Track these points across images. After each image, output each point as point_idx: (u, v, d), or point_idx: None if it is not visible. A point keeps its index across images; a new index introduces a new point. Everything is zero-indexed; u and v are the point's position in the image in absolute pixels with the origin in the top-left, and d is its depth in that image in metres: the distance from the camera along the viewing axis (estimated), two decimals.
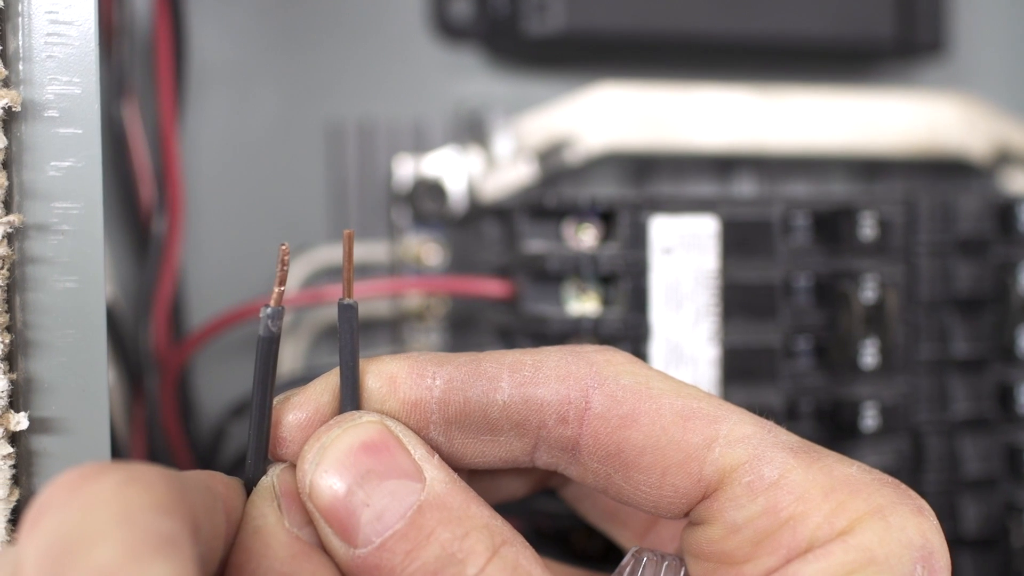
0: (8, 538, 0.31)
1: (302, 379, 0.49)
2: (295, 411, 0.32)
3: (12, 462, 0.31)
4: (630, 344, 0.43)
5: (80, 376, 0.32)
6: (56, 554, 0.23)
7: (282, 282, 0.30)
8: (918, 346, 0.46)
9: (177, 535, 0.25)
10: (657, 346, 0.43)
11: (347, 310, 0.31)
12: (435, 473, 0.30)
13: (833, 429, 0.46)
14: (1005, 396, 0.47)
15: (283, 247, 0.30)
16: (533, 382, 0.31)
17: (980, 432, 0.47)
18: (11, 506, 0.31)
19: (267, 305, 0.30)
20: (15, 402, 0.31)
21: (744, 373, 0.44)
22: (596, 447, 0.31)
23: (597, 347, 0.32)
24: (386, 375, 0.31)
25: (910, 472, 0.46)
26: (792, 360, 0.46)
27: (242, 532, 0.29)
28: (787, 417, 0.45)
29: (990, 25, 0.62)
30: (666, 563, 0.32)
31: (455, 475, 0.30)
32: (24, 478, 0.31)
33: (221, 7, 0.52)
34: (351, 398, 0.31)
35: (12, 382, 0.31)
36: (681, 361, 0.43)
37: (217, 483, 0.29)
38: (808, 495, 0.29)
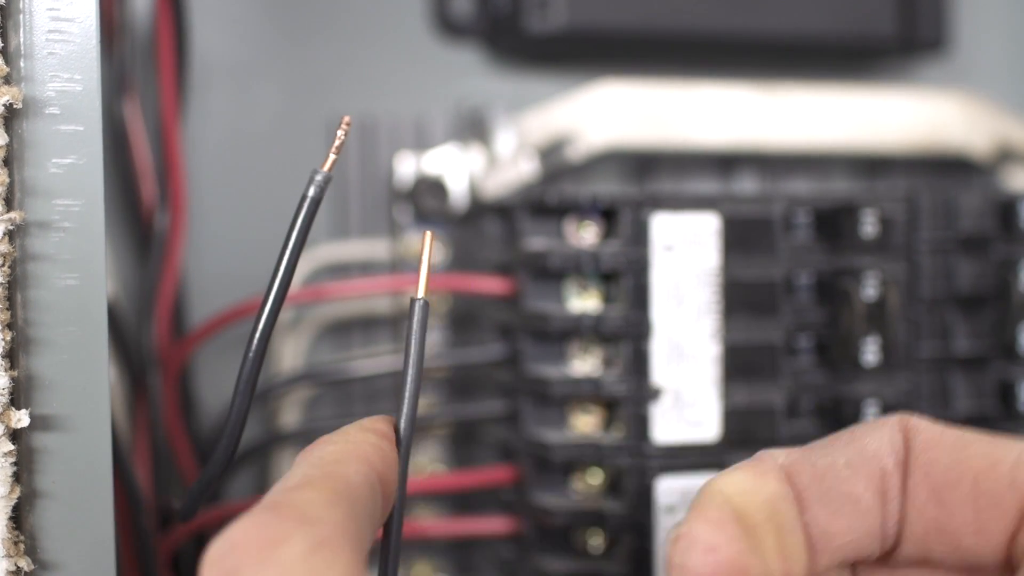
0: (9, 535, 0.31)
1: (303, 376, 0.49)
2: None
3: (13, 459, 0.31)
4: (631, 341, 0.43)
5: (81, 373, 0.32)
6: None
7: (338, 151, 0.32)
8: (919, 343, 0.46)
9: None
10: (658, 343, 0.43)
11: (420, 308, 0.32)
12: None
13: (834, 426, 0.45)
14: (1006, 394, 0.47)
15: (345, 119, 0.32)
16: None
17: (981, 430, 0.47)
18: (12, 503, 0.31)
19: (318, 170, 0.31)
20: (16, 399, 0.31)
21: (745, 371, 0.44)
22: None
23: None
24: None
25: None
26: (793, 357, 0.46)
27: None
28: (788, 415, 0.45)
29: (992, 22, 0.62)
30: None
31: None
32: (25, 475, 0.31)
33: (223, 4, 0.52)
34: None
35: (13, 379, 0.31)
36: (682, 359, 0.43)
37: (377, 460, 0.28)
38: None
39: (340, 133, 0.32)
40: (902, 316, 0.46)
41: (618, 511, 0.43)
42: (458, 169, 0.52)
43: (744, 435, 0.44)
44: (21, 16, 0.31)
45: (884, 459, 0.31)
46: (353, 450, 0.28)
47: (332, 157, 0.31)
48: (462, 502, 0.51)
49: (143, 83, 0.50)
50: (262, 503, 0.26)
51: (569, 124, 0.53)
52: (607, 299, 0.45)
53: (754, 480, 0.31)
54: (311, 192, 0.31)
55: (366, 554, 0.26)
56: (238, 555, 0.24)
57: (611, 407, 0.45)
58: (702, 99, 0.54)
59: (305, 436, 0.50)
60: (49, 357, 0.31)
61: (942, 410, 0.46)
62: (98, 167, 0.32)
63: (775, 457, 0.31)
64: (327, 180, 0.31)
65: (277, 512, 0.25)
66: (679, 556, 0.29)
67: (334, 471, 0.27)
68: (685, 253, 0.44)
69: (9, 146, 0.31)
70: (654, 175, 0.56)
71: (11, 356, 0.31)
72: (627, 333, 0.43)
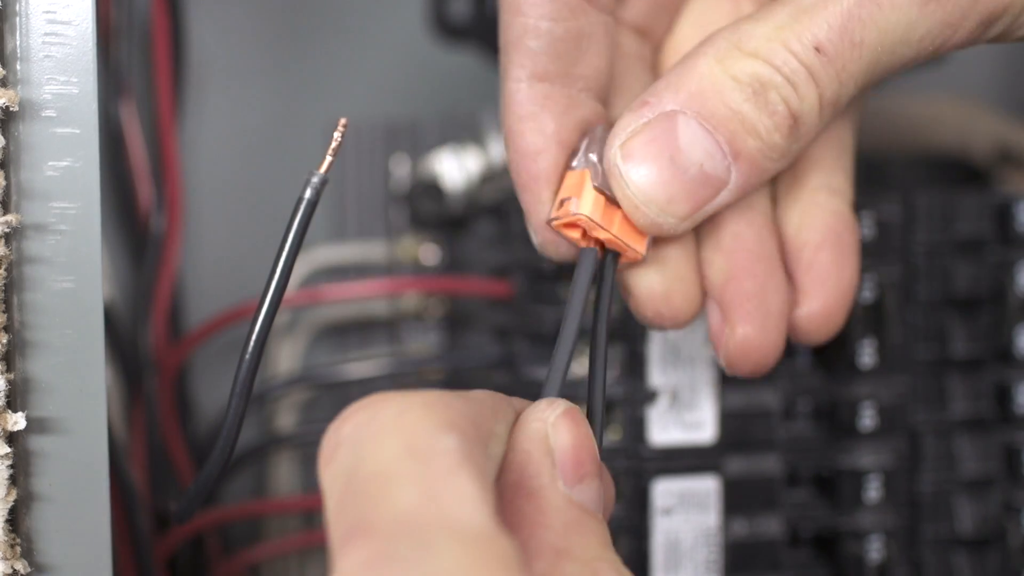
0: (5, 538, 0.31)
1: (300, 379, 0.49)
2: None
3: (10, 462, 0.31)
4: (628, 343, 0.43)
5: (78, 376, 0.32)
6: (353, 495, 0.25)
7: (334, 153, 0.32)
8: (916, 346, 0.46)
9: (462, 447, 0.25)
10: (655, 344, 0.43)
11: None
12: None
13: (831, 429, 0.46)
14: (1003, 396, 0.47)
15: (342, 121, 0.32)
16: None
17: (978, 432, 0.47)
18: (9, 506, 0.31)
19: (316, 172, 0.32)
20: (13, 402, 0.31)
21: None
22: None
23: None
24: None
25: (907, 472, 0.46)
26: (790, 360, 0.46)
27: (516, 493, 0.28)
28: (785, 417, 0.45)
29: None
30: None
31: None
32: (22, 478, 0.31)
33: (219, 6, 0.52)
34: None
35: (10, 382, 0.31)
36: (679, 361, 0.43)
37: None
38: None
39: (337, 135, 0.32)
40: (899, 318, 0.46)
41: (614, 513, 0.43)
42: (454, 172, 0.52)
43: (741, 437, 0.44)
44: (17, 19, 0.31)
45: None
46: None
47: (329, 159, 0.31)
48: None
49: (140, 86, 0.50)
50: None
51: None
52: None
53: None
54: (307, 194, 0.31)
55: (483, 438, 0.27)
56: (344, 426, 0.26)
57: (607, 409, 0.45)
58: None
59: (301, 439, 0.50)
60: (45, 360, 0.31)
61: (938, 412, 0.46)
62: (94, 170, 0.32)
63: None
64: (323, 182, 0.31)
65: (383, 394, 0.27)
66: None
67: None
68: None
69: (5, 149, 0.31)
70: None
71: (7, 359, 0.31)
72: (624, 335, 0.43)
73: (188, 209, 0.51)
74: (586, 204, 0.32)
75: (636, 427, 0.43)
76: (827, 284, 0.35)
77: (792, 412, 0.46)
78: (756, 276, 0.34)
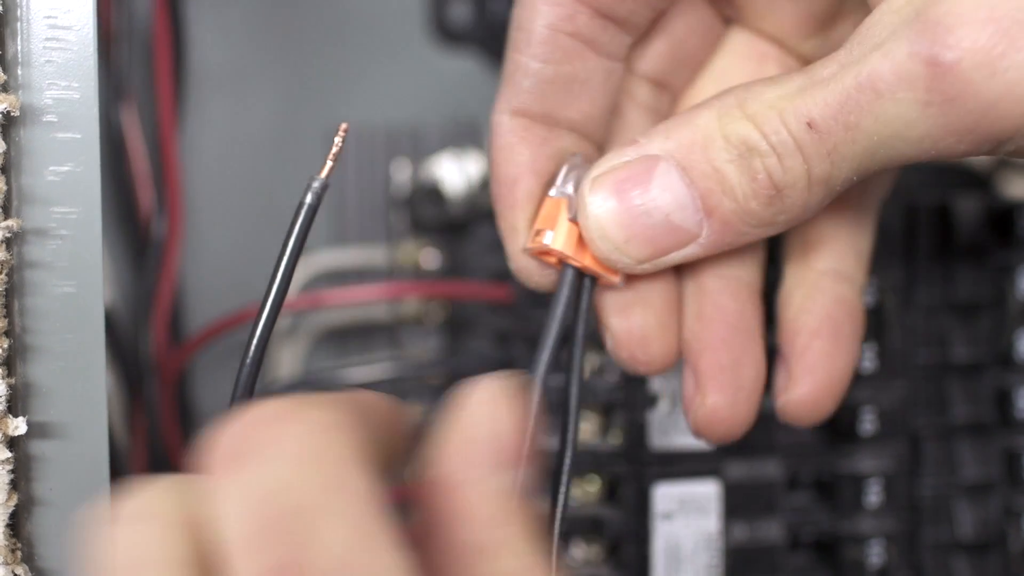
0: (6, 542, 0.31)
1: (301, 383, 0.49)
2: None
3: (10, 467, 0.31)
4: None
5: (79, 381, 0.32)
6: (276, 528, 0.23)
7: (335, 158, 0.32)
8: (916, 350, 0.46)
9: (376, 487, 0.24)
10: None
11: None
12: None
13: (831, 433, 0.46)
14: (1003, 401, 0.47)
15: (343, 126, 0.32)
16: None
17: (978, 437, 0.47)
18: (9, 510, 0.31)
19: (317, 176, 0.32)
20: (13, 407, 0.31)
21: None
22: None
23: None
24: None
25: (907, 476, 0.46)
26: None
27: (433, 493, 0.26)
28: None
29: None
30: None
31: None
32: (23, 483, 0.31)
33: (220, 11, 0.52)
34: None
35: (11, 387, 0.31)
36: (679, 365, 0.43)
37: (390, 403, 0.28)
38: None
39: (337, 140, 0.32)
40: (899, 323, 0.46)
41: (616, 518, 0.43)
42: (455, 176, 0.52)
43: (741, 441, 0.44)
44: (19, 24, 0.31)
45: None
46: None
47: (329, 164, 0.31)
48: None
49: (140, 90, 0.50)
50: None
51: None
52: None
53: None
54: (308, 199, 0.31)
55: (383, 458, 0.26)
56: (247, 430, 0.24)
57: (608, 413, 0.45)
58: None
59: None
60: (46, 364, 0.31)
61: (939, 417, 0.46)
62: (95, 175, 0.32)
63: None
64: (324, 187, 0.31)
65: (286, 400, 0.25)
66: None
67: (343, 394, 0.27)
68: None
69: (7, 154, 0.31)
70: None
71: (8, 363, 0.31)
72: None
73: (189, 213, 0.51)
74: (559, 237, 0.33)
75: (636, 431, 0.43)
76: (817, 373, 0.35)
77: None
78: (732, 350, 0.34)
